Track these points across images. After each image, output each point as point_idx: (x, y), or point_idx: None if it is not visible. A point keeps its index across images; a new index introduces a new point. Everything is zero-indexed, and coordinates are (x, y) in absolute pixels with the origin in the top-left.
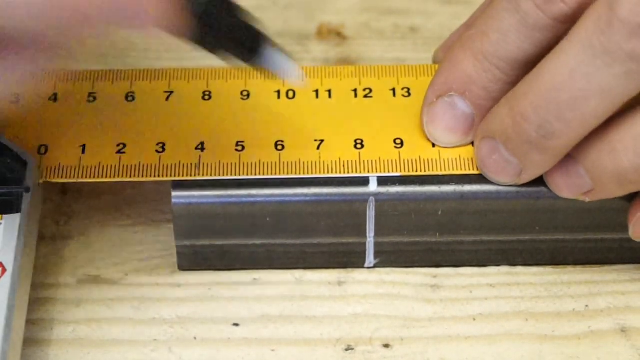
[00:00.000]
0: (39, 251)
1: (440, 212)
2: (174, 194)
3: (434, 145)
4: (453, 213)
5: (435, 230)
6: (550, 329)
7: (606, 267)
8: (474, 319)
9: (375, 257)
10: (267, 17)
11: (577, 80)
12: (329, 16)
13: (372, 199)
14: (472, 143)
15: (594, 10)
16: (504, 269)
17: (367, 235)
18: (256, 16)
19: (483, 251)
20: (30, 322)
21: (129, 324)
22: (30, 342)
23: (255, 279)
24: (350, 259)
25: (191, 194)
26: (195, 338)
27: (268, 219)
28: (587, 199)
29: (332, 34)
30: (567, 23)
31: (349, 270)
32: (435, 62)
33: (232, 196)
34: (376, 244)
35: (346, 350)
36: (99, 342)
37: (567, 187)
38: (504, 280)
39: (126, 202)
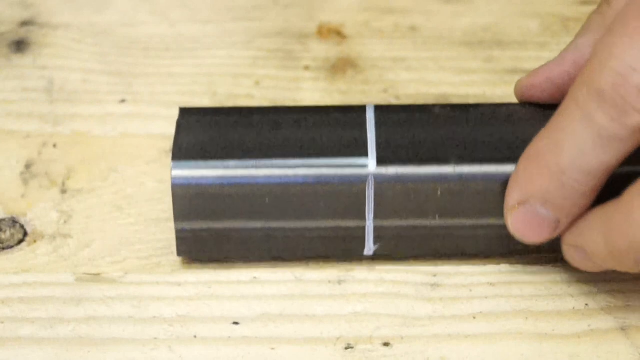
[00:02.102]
0: (39, 250)
1: (439, 193)
2: (173, 173)
3: None
4: (452, 194)
5: (435, 212)
6: (550, 328)
7: None
8: (474, 318)
9: (375, 242)
10: (267, 17)
11: None
12: (329, 15)
13: (371, 176)
14: None
15: None
16: (504, 267)
17: (367, 217)
18: (256, 16)
19: (483, 237)
20: (30, 321)
21: (129, 323)
22: (30, 340)
23: (255, 277)
24: (350, 245)
25: (191, 174)
26: (195, 337)
27: (267, 200)
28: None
29: (332, 33)
30: None
31: (349, 268)
32: (517, 95)
33: (232, 177)
34: (376, 229)
35: (346, 348)
36: (99, 341)
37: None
38: (504, 278)
39: (126, 201)
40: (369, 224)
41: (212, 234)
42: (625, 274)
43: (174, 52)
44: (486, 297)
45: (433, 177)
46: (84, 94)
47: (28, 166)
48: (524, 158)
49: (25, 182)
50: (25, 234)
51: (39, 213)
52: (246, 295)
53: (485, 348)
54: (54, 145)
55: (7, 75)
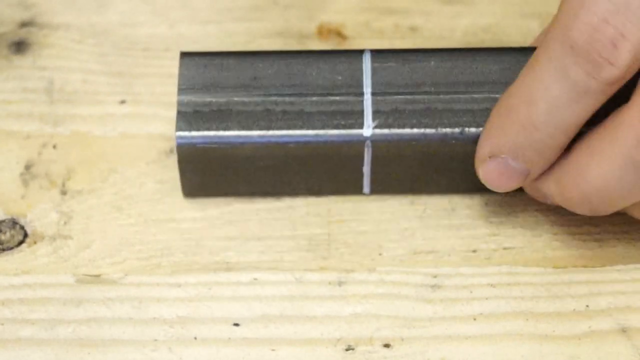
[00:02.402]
0: (39, 251)
1: (432, 63)
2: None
3: None
4: (446, 68)
5: (430, 85)
6: (551, 329)
7: (607, 267)
8: (475, 319)
9: (374, 118)
10: (267, 17)
11: (624, 186)
12: (329, 16)
13: (367, 52)
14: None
15: (631, 124)
16: (505, 268)
17: (364, 91)
18: (256, 16)
19: (480, 112)
20: (30, 322)
21: (129, 324)
22: (30, 341)
23: (255, 278)
24: (349, 119)
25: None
26: (195, 338)
27: (269, 71)
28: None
29: (332, 33)
30: (617, 84)
31: (349, 270)
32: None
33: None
34: (374, 102)
35: (346, 350)
36: (99, 342)
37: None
38: (504, 280)
39: (126, 201)
40: (367, 98)
41: (213, 107)
42: (626, 273)
43: (174, 53)
44: (486, 298)
45: (426, 52)
46: (84, 95)
47: (28, 167)
48: (496, 111)
49: (25, 183)
50: (26, 235)
51: (39, 214)
52: (246, 297)
53: (486, 349)
54: (54, 146)
55: (7, 76)
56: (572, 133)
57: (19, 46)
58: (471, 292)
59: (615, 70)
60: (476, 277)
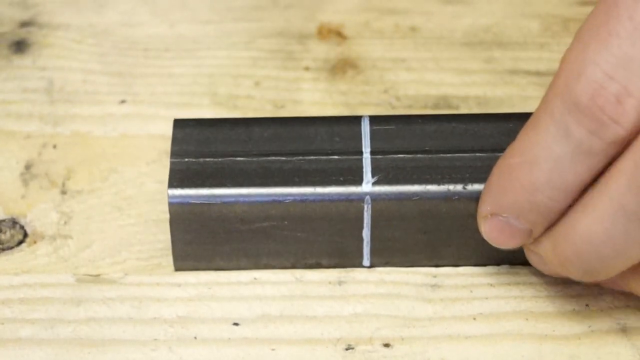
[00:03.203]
0: (39, 250)
1: (432, 127)
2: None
3: None
4: (446, 131)
5: (431, 145)
6: (551, 329)
7: None
8: (474, 319)
9: (374, 174)
10: (267, 17)
11: (615, 238)
12: (329, 16)
13: (365, 117)
14: None
15: (621, 171)
16: (504, 268)
17: (364, 150)
18: (256, 16)
19: (482, 168)
20: (30, 322)
21: (129, 324)
22: (30, 341)
23: (255, 278)
24: (348, 176)
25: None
26: (195, 337)
27: (265, 134)
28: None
29: (332, 33)
30: (621, 144)
31: (349, 269)
32: None
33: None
34: (373, 160)
35: (346, 349)
36: (99, 342)
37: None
38: (504, 279)
39: (126, 201)
40: (366, 157)
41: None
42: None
43: (174, 53)
44: (486, 298)
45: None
46: (84, 95)
47: (28, 167)
48: (497, 170)
49: (25, 182)
50: (25, 234)
51: (39, 214)
52: (246, 296)
53: (486, 349)
54: (54, 146)
55: (7, 76)
56: (573, 194)
57: (19, 46)
58: (471, 291)
59: (620, 130)
60: (476, 276)
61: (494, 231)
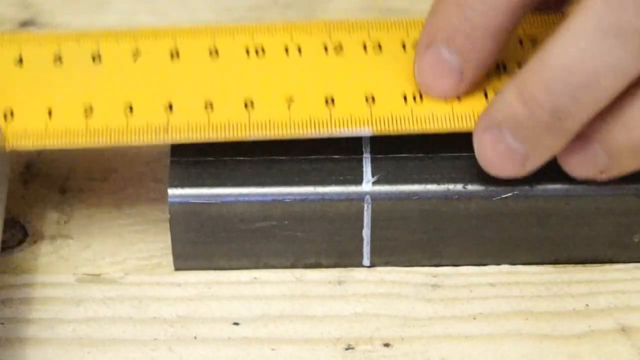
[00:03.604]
0: (39, 250)
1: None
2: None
3: (405, 100)
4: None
5: (432, 147)
6: (551, 328)
7: (607, 266)
8: (474, 318)
9: (374, 173)
10: (267, 17)
11: (589, 60)
12: (329, 16)
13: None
14: (472, 137)
15: None
16: (505, 267)
17: (364, 150)
18: (256, 16)
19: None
20: (30, 322)
21: (129, 323)
22: (30, 341)
23: (255, 277)
24: (348, 175)
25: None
26: (195, 337)
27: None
28: (605, 177)
29: None
30: None
31: (349, 269)
32: None
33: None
34: (373, 160)
35: (346, 349)
36: (99, 342)
37: (583, 167)
38: (504, 279)
39: (126, 201)
40: (366, 156)
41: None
42: (626, 273)
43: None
44: (486, 298)
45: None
46: None
47: (28, 167)
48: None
49: (25, 182)
50: (26, 234)
51: (39, 214)
52: (246, 296)
53: (486, 348)
54: None
55: None
56: (502, 17)
57: None
58: (471, 291)
59: None
60: (476, 276)
61: (426, 68)
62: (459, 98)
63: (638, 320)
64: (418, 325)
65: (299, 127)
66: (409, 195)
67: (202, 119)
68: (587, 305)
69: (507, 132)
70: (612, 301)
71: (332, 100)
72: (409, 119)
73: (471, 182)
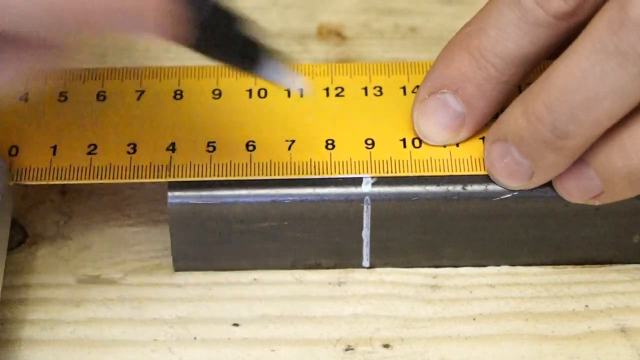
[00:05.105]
0: (39, 251)
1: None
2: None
3: (404, 144)
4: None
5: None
6: (550, 329)
7: (606, 267)
8: (474, 319)
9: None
10: (267, 17)
11: (590, 81)
12: (329, 16)
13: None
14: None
15: (605, 11)
16: (504, 269)
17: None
18: (256, 16)
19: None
20: (30, 322)
21: (129, 324)
22: (30, 342)
23: (255, 278)
24: (347, 177)
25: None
26: (195, 338)
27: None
28: (597, 202)
29: (332, 34)
30: (567, 21)
31: (349, 270)
32: None
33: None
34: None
35: (346, 350)
36: (99, 342)
37: (577, 191)
38: (503, 280)
39: (126, 202)
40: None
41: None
42: (625, 274)
43: (174, 53)
44: (486, 299)
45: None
46: None
47: None
48: (447, 45)
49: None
50: (26, 235)
51: (39, 214)
52: (246, 297)
53: (485, 349)
54: None
55: None
56: (516, 68)
57: None
58: (471, 292)
59: (564, 5)
60: (476, 277)
61: (428, 110)
62: (457, 144)
63: (637, 321)
64: (418, 326)
65: (299, 169)
66: (408, 196)
67: (204, 159)
68: (586, 306)
69: (513, 146)
70: (612, 302)
71: (333, 143)
72: (407, 163)
73: (470, 183)
